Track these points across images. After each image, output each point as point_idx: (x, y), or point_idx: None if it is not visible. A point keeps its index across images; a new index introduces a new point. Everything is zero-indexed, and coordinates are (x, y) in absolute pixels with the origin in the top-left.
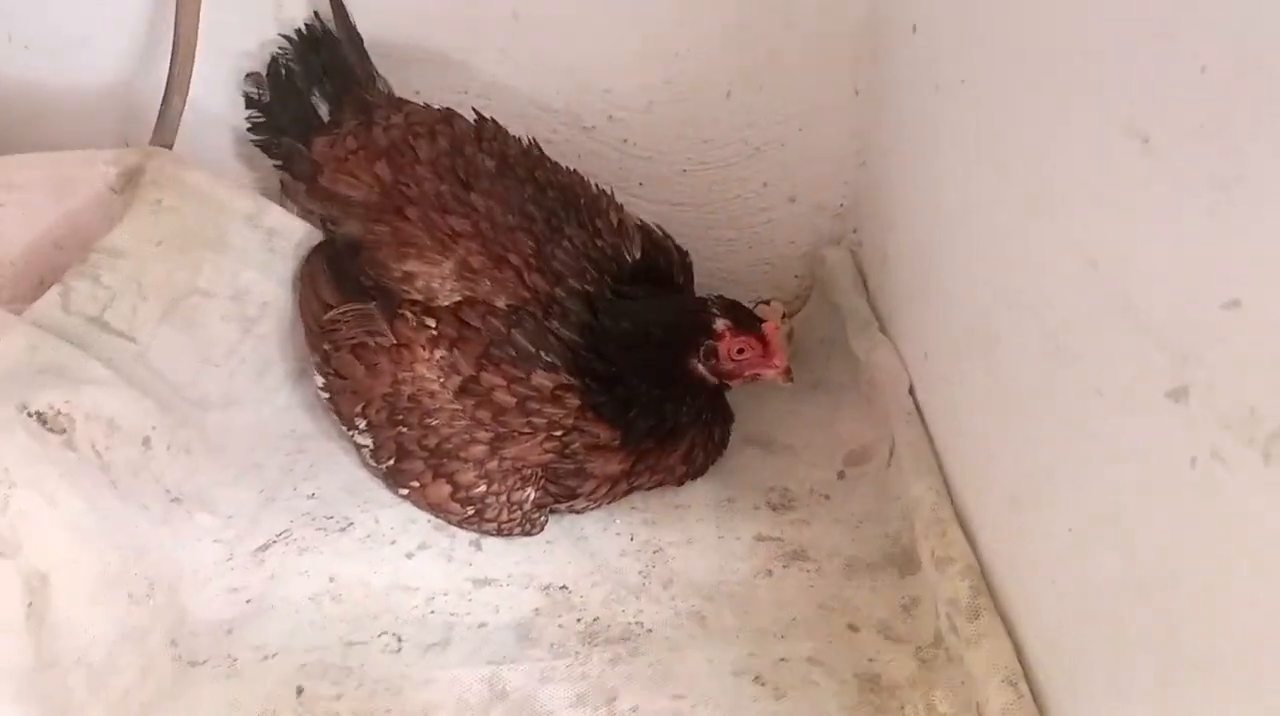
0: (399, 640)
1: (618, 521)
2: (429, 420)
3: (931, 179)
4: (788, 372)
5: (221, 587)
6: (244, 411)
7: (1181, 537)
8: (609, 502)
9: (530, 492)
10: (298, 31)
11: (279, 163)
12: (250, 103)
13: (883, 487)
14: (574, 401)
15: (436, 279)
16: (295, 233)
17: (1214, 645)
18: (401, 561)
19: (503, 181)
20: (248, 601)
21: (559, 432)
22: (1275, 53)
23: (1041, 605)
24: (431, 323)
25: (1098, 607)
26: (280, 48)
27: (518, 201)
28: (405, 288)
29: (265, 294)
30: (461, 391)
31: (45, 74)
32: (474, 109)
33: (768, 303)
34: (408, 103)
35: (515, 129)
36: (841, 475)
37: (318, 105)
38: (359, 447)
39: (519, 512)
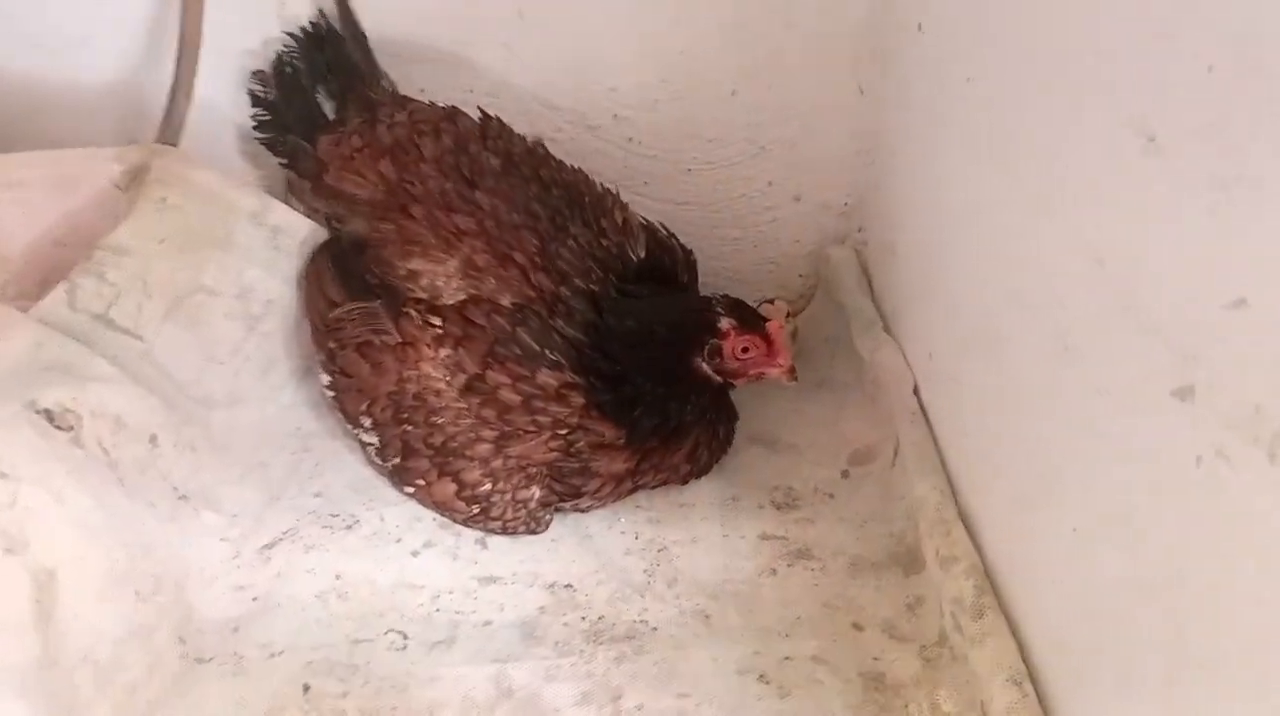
0: (405, 638)
1: (622, 520)
2: (434, 418)
3: (937, 178)
4: (792, 371)
5: (228, 585)
6: (249, 409)
7: (1187, 537)
8: (614, 501)
9: (535, 491)
10: (303, 29)
11: (284, 161)
12: (255, 101)
13: (887, 487)
14: (579, 400)
15: (441, 277)
16: (300, 230)
17: (1220, 644)
18: (407, 559)
19: (507, 180)
20: (254, 599)
21: (564, 431)
22: (1278, 53)
23: (1046, 604)
24: (437, 321)
25: (1103, 607)
26: (285, 46)
27: (522, 200)
28: (410, 286)
29: (270, 292)
30: (467, 389)
31: (50, 71)
32: (479, 107)
33: (772, 302)
34: (412, 100)
35: (520, 127)
36: (846, 474)
37: (323, 103)
38: (364, 446)
39: (524, 511)
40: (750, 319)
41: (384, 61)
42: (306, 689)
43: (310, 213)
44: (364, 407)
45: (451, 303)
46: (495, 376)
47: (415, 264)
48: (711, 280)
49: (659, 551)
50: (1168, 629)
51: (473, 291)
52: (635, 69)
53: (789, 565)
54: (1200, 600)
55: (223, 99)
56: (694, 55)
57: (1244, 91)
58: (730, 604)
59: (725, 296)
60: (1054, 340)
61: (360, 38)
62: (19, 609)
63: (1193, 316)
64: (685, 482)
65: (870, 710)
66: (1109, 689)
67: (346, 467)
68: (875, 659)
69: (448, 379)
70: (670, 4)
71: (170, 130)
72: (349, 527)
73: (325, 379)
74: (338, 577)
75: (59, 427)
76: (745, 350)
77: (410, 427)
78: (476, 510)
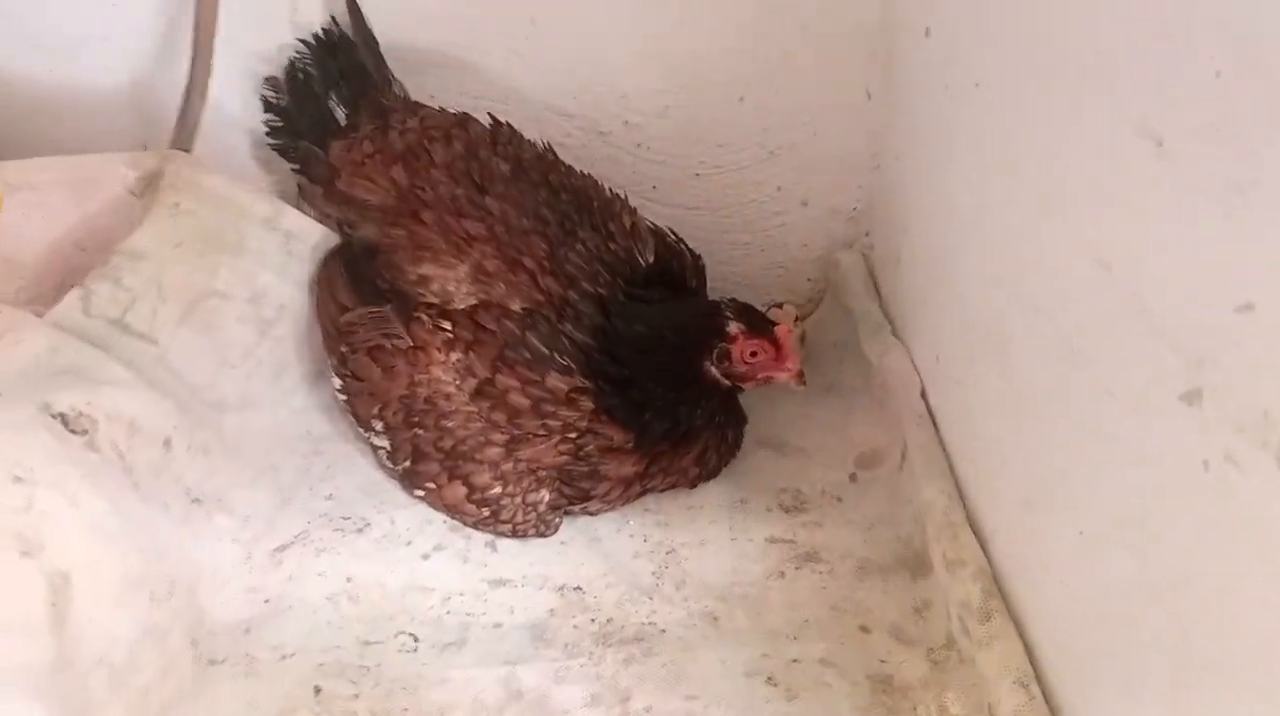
0: (415, 640)
1: (631, 523)
2: (445, 422)
3: (944, 182)
4: (800, 376)
5: (240, 588)
6: (261, 413)
7: (1195, 541)
8: (623, 504)
9: (545, 494)
10: (315, 36)
11: (296, 166)
12: (268, 107)
13: (895, 490)
14: (588, 404)
15: (452, 282)
16: (312, 236)
17: (1227, 647)
18: (418, 562)
19: (517, 185)
20: (266, 601)
21: (573, 435)
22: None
23: (1054, 607)
24: (447, 325)
25: (1110, 610)
26: (298, 52)
27: (532, 205)
28: (421, 291)
29: (282, 296)
30: (477, 393)
31: (64, 77)
32: (489, 113)
33: (780, 306)
34: (423, 107)
35: (530, 133)
36: (853, 478)
37: (334, 109)
38: (375, 449)
39: (534, 514)
40: (759, 323)
41: (395, 67)
42: (318, 690)
43: (322, 218)
44: (375, 411)
45: (462, 307)
46: (505, 380)
47: (426, 269)
48: (720, 285)
49: (667, 554)
50: (1175, 632)
51: (483, 296)
52: (645, 75)
53: (797, 568)
54: (1207, 603)
55: (235, 105)
56: (703, 61)
57: (1253, 96)
58: (738, 606)
59: (733, 301)
60: (1061, 344)
61: (372, 44)
62: (34, 611)
63: (1201, 320)
64: (694, 486)
65: (878, 712)
66: (1116, 691)
67: (357, 471)
68: (883, 661)
69: (458, 383)
70: (678, 10)
71: (184, 136)
72: (360, 530)
73: (337, 383)
74: (349, 580)
75: (74, 431)
76: (754, 354)
77: (421, 431)
78: (486, 513)
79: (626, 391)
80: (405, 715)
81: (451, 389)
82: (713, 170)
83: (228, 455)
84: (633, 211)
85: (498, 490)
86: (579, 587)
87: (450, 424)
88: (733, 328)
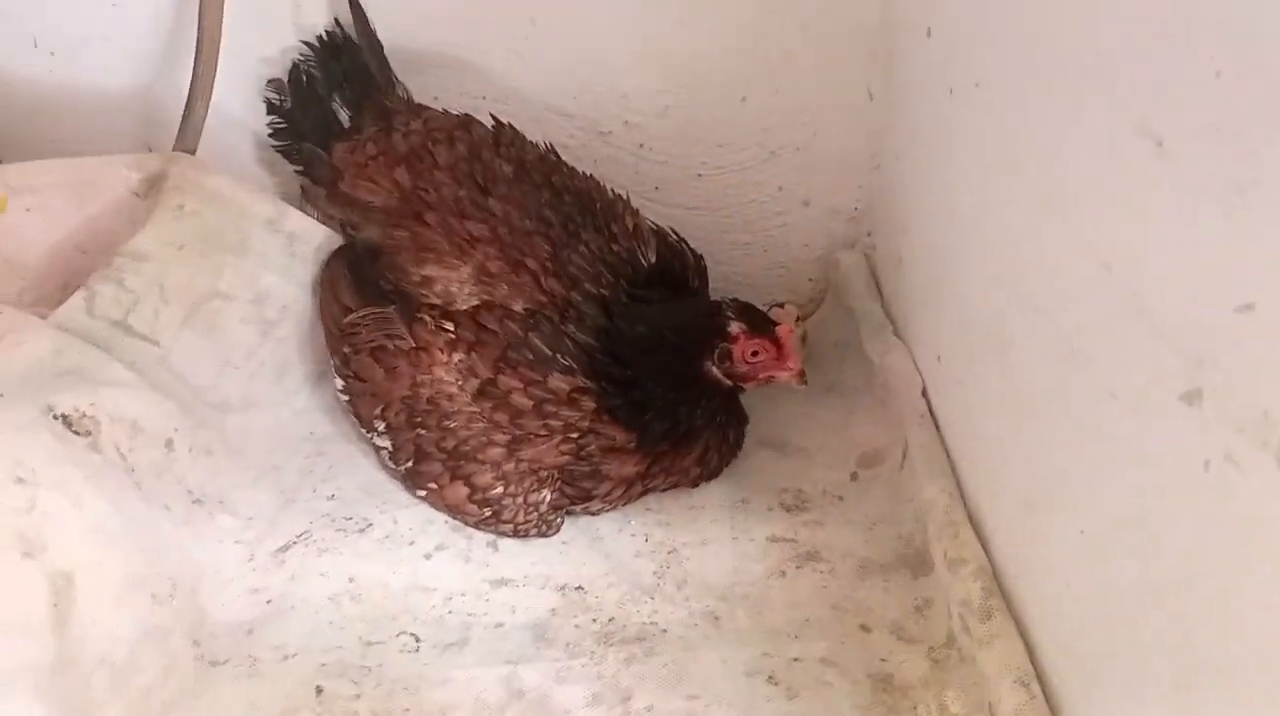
0: (417, 640)
1: (633, 522)
2: (447, 422)
3: (945, 182)
4: (802, 375)
5: (242, 588)
6: (263, 414)
7: (1196, 541)
8: (624, 504)
9: (546, 494)
10: (318, 38)
11: (300, 168)
12: (271, 109)
13: (896, 489)
14: (590, 404)
15: (455, 283)
16: (315, 237)
17: (1229, 648)
18: (420, 562)
19: (520, 187)
20: (268, 602)
21: (575, 435)
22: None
23: (1055, 607)
24: (450, 326)
25: (1112, 610)
26: (301, 54)
27: (535, 206)
28: (424, 292)
29: (285, 297)
30: (479, 394)
31: (64, 78)
32: (492, 114)
33: (782, 306)
34: (427, 108)
35: (532, 134)
36: (855, 477)
37: (338, 111)
38: (378, 450)
39: (535, 514)
40: (760, 323)
41: (398, 69)
42: (319, 691)
43: (325, 219)
44: (378, 412)
45: (464, 308)
46: (507, 381)
47: (429, 270)
48: (721, 284)
49: (669, 553)
50: (1176, 632)
51: (485, 297)
52: (645, 75)
53: (798, 567)
54: (1209, 604)
55: (239, 107)
56: (704, 61)
57: (1251, 95)
58: (739, 605)
59: (735, 300)
60: (1062, 343)
61: (375, 46)
62: (36, 612)
63: (1201, 320)
64: (695, 485)
65: (878, 711)
66: (1117, 691)
67: (360, 471)
68: (883, 660)
69: (460, 383)
70: (678, 10)
71: (187, 137)
72: (362, 531)
73: (339, 383)
74: (351, 580)
75: (76, 433)
76: (755, 354)
77: (423, 432)
78: (488, 513)
79: (628, 391)
80: (406, 715)
81: (454, 389)
82: (714, 170)
83: (230, 456)
84: (635, 212)
85: (499, 490)
86: (580, 587)
87: (452, 424)
88: (734, 327)
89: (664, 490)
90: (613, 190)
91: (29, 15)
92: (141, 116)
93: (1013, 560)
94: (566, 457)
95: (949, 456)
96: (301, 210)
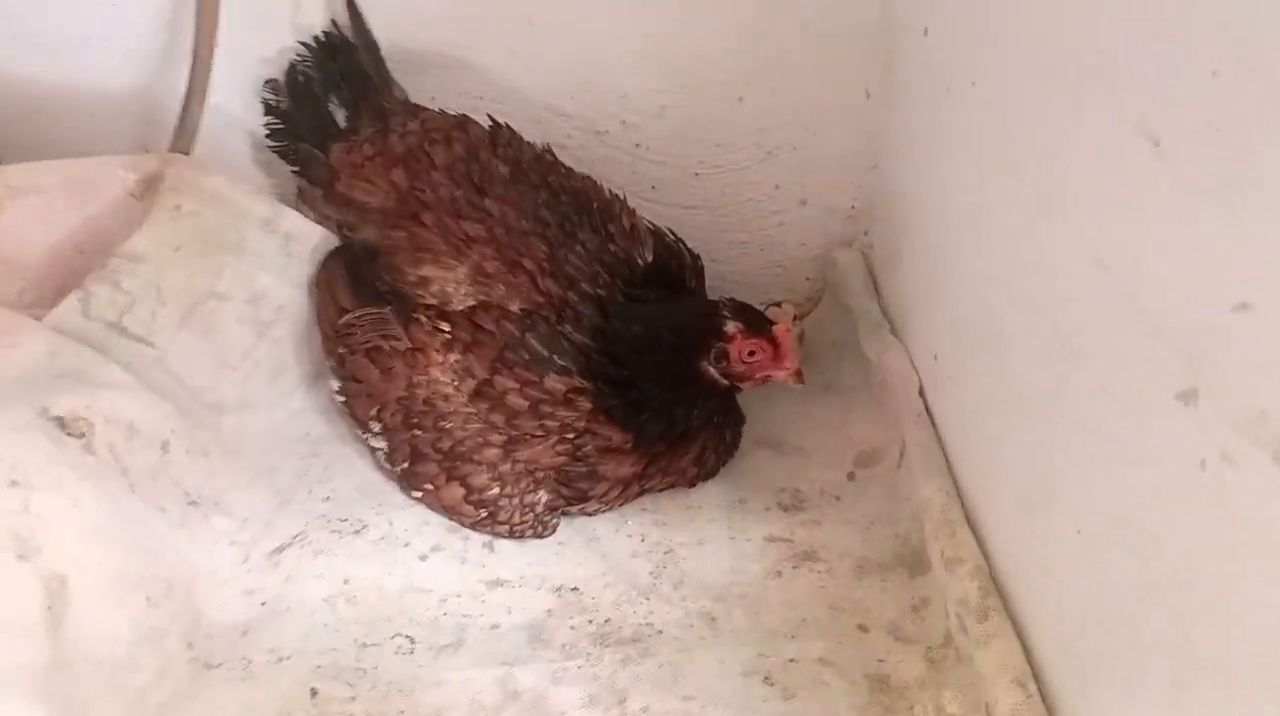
0: (412, 641)
1: (629, 523)
2: (443, 423)
3: (943, 181)
4: (798, 375)
5: (237, 590)
6: (258, 415)
7: (1192, 540)
8: (621, 504)
9: (543, 495)
10: (315, 39)
11: (296, 169)
12: (268, 109)
13: (893, 489)
14: (586, 404)
15: (451, 283)
16: (311, 237)
17: (1227, 647)
18: (415, 563)
19: (517, 187)
20: (263, 603)
21: (571, 435)
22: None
23: (1052, 606)
24: (446, 327)
25: (1109, 609)
26: (298, 55)
27: (531, 206)
28: (420, 292)
29: (281, 298)
30: (475, 395)
31: (64, 78)
32: (489, 115)
33: (779, 305)
34: (424, 109)
35: (529, 134)
36: (852, 476)
37: (335, 112)
38: (373, 451)
39: (531, 515)
40: (757, 322)
41: (395, 70)
42: (314, 693)
43: (321, 220)
44: (373, 413)
45: (461, 308)
46: (503, 381)
47: (426, 270)
48: (719, 284)
49: (665, 553)
50: (1174, 631)
51: (482, 297)
52: (644, 75)
53: (795, 567)
54: (1206, 603)
55: (236, 107)
56: (702, 61)
57: (1249, 95)
58: (736, 606)
59: (732, 300)
60: (1059, 343)
61: (372, 46)
62: (31, 614)
63: (1198, 320)
64: (692, 486)
65: (875, 711)
66: (1115, 691)
67: (355, 472)
68: (880, 660)
69: (456, 384)
70: (678, 10)
71: (184, 138)
72: (357, 532)
73: (335, 384)
74: (346, 582)
75: (71, 435)
76: (752, 353)
77: (419, 432)
78: (484, 514)
79: (625, 392)
80: None
81: (450, 390)
82: (711, 170)
83: (225, 457)
84: (632, 212)
85: (495, 491)
86: (576, 588)
87: (448, 425)
88: (730, 327)
89: (661, 490)
90: (610, 190)
91: (29, 15)
92: (141, 117)
93: (1010, 559)
94: (563, 458)
95: (946, 455)
96: (298, 211)
